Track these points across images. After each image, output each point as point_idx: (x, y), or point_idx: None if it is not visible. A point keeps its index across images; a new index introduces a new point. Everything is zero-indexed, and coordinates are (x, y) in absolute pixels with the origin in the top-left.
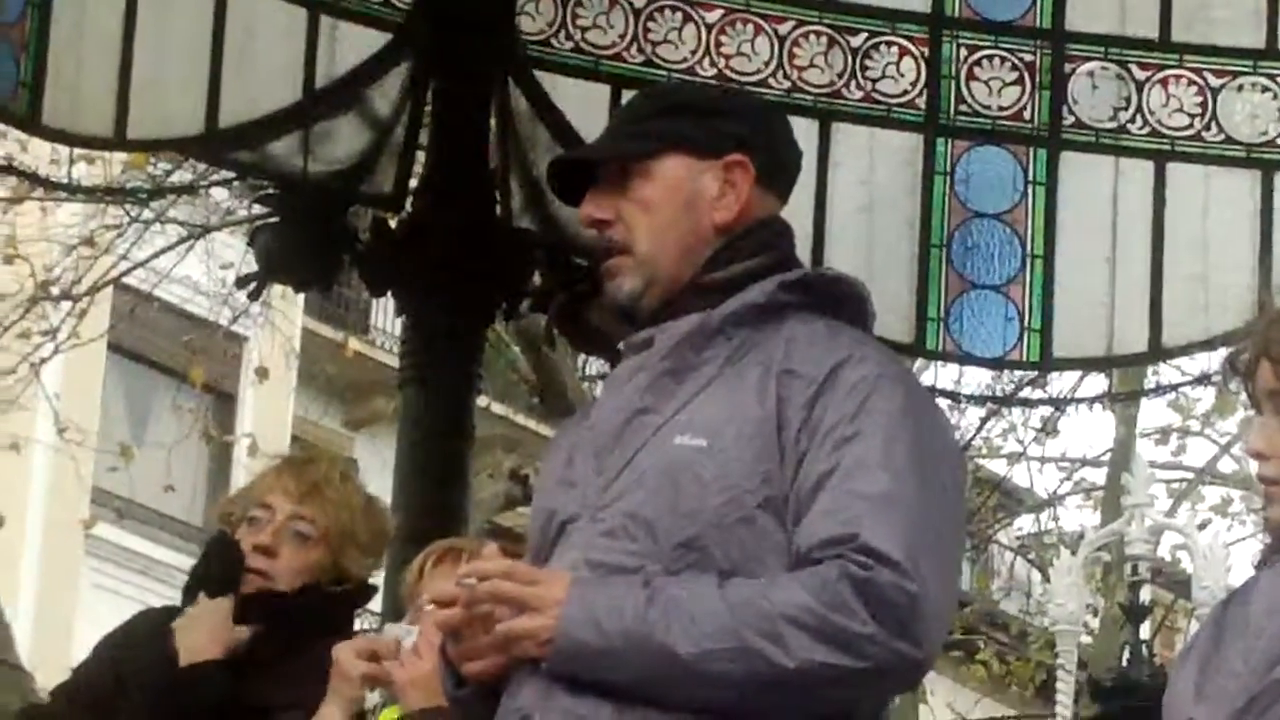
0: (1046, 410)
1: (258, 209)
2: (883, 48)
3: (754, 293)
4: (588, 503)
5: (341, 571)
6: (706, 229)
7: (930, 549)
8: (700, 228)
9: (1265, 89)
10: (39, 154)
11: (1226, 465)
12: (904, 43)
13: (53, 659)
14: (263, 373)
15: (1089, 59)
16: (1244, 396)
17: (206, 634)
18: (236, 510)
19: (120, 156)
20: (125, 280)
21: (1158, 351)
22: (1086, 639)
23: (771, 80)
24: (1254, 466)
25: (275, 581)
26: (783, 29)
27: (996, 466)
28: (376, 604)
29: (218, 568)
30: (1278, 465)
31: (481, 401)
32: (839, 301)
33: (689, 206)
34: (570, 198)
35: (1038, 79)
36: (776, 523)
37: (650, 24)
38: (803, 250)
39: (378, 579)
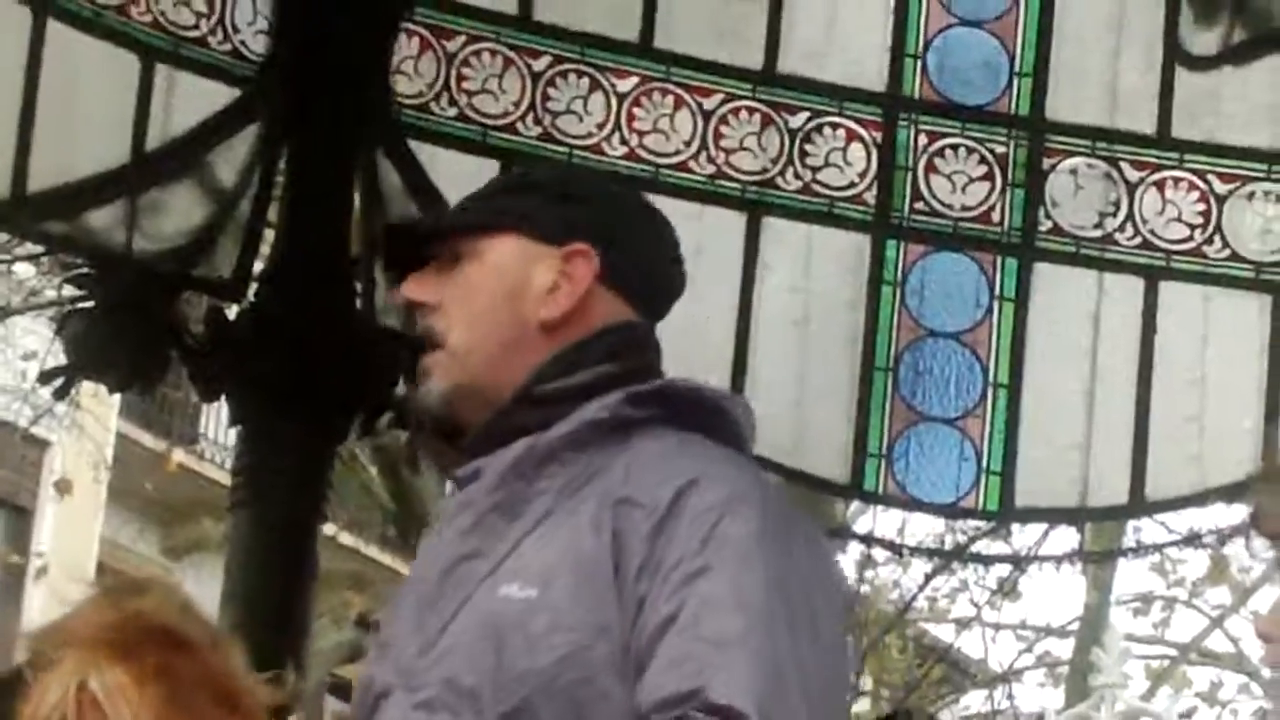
0: (1005, 569)
1: (69, 290)
2: (827, 130)
3: (595, 408)
4: (403, 669)
5: None
6: (530, 326)
7: (794, 700)
8: (522, 322)
9: None
10: None
11: (1219, 643)
12: (853, 125)
13: None
14: (65, 485)
15: (1072, 154)
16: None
17: None
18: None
19: None
20: None
21: (1140, 505)
22: None
23: (693, 163)
24: (1260, 651)
25: None
26: (709, 103)
27: (944, 633)
28: None
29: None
30: None
31: (328, 530)
32: (700, 416)
33: (513, 296)
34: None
35: (1010, 175)
36: (618, 682)
37: (551, 90)
38: (721, 368)
39: None
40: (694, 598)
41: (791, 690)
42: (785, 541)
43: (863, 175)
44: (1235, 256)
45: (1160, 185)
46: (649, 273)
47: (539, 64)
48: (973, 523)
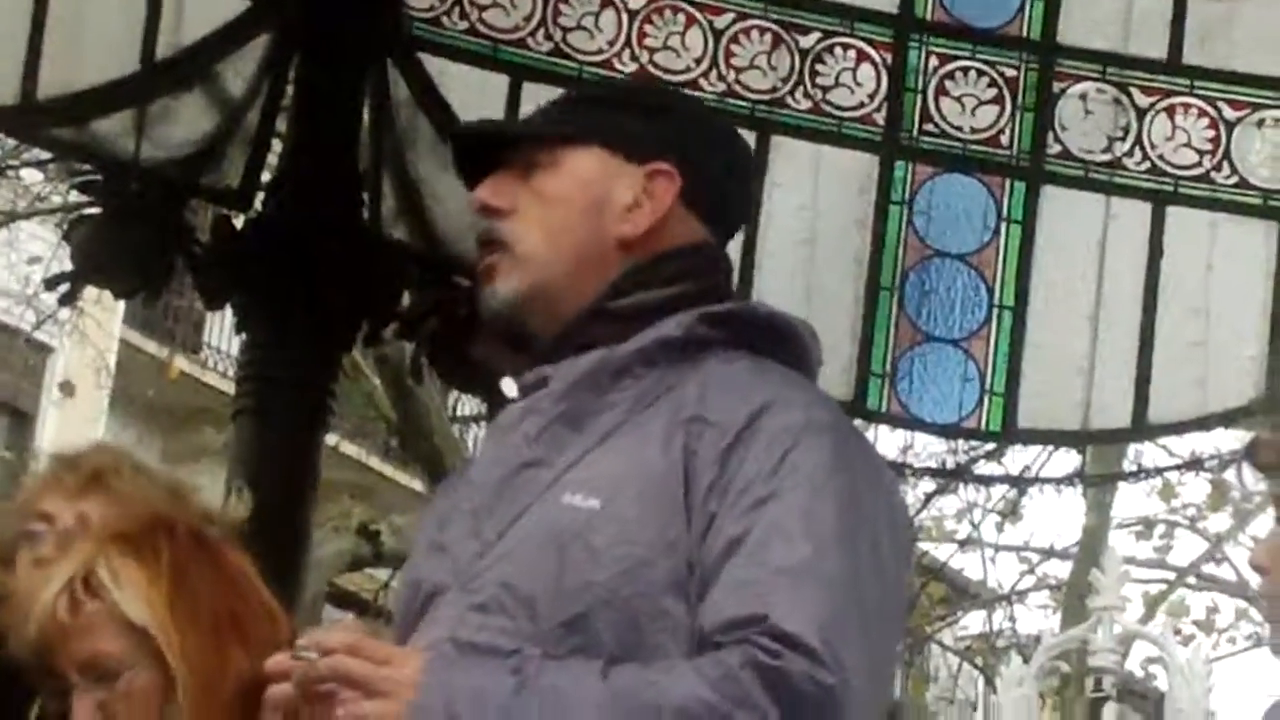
0: (1009, 491)
1: (76, 197)
2: (838, 51)
3: (670, 325)
4: (460, 571)
5: None
6: (608, 242)
7: (855, 633)
8: (602, 239)
9: None
10: None
11: (1224, 570)
12: (864, 46)
13: None
14: (67, 389)
15: (1082, 78)
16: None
17: None
18: (8, 534)
19: None
20: None
21: (1142, 428)
22: None
23: (703, 81)
24: (1255, 580)
25: None
26: (720, 22)
27: (947, 553)
28: None
29: None
30: (1278, 583)
31: (330, 440)
32: (773, 340)
33: (594, 210)
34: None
35: (1020, 98)
36: (680, 600)
37: (563, 6)
38: None
39: None
40: (763, 522)
41: (853, 621)
42: (854, 472)
43: (873, 96)
44: (1243, 183)
45: (1170, 111)
46: (725, 194)
47: None
48: (975, 443)
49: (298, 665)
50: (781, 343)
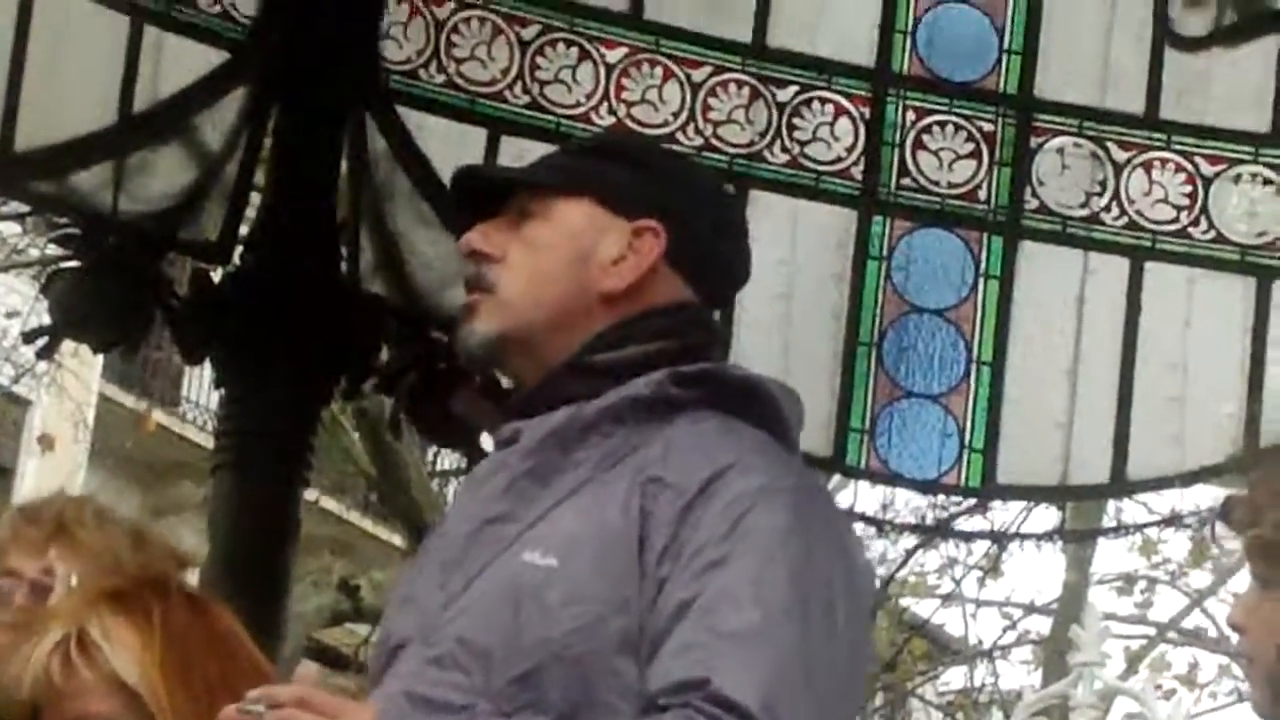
0: (991, 547)
1: (54, 250)
2: (816, 105)
3: (639, 384)
4: (422, 624)
5: None
6: (591, 295)
7: (801, 699)
8: (585, 290)
9: (1267, 181)
10: None
11: (1200, 624)
12: (842, 100)
13: None
14: (46, 442)
15: (1060, 133)
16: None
17: None
18: None
19: None
20: None
21: (1121, 484)
22: None
23: (680, 135)
24: (1235, 637)
25: None
26: (698, 75)
27: (929, 609)
28: None
29: None
30: (1256, 641)
31: (310, 495)
32: (745, 402)
33: (580, 261)
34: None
35: (997, 153)
36: (630, 660)
37: (540, 59)
38: None
39: None
40: (713, 586)
41: (799, 687)
42: (810, 535)
43: (850, 150)
44: (1220, 239)
45: (1147, 166)
46: (711, 255)
47: (528, 32)
48: (955, 499)
49: (247, 718)
50: (754, 405)
